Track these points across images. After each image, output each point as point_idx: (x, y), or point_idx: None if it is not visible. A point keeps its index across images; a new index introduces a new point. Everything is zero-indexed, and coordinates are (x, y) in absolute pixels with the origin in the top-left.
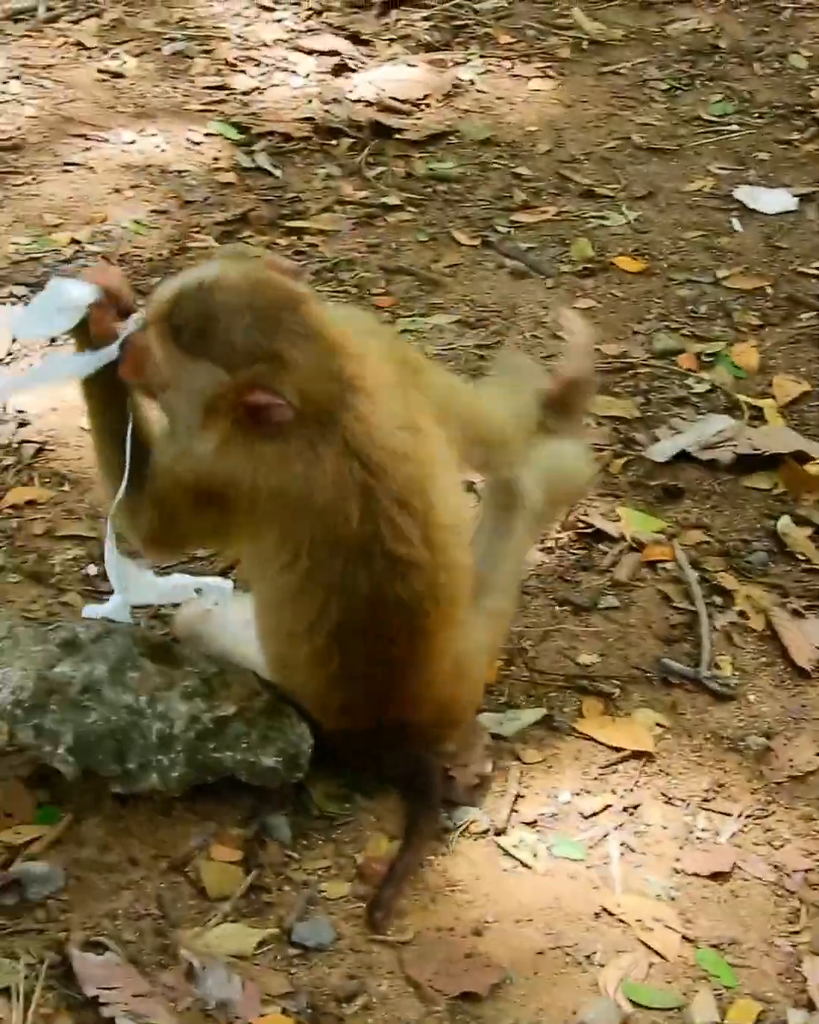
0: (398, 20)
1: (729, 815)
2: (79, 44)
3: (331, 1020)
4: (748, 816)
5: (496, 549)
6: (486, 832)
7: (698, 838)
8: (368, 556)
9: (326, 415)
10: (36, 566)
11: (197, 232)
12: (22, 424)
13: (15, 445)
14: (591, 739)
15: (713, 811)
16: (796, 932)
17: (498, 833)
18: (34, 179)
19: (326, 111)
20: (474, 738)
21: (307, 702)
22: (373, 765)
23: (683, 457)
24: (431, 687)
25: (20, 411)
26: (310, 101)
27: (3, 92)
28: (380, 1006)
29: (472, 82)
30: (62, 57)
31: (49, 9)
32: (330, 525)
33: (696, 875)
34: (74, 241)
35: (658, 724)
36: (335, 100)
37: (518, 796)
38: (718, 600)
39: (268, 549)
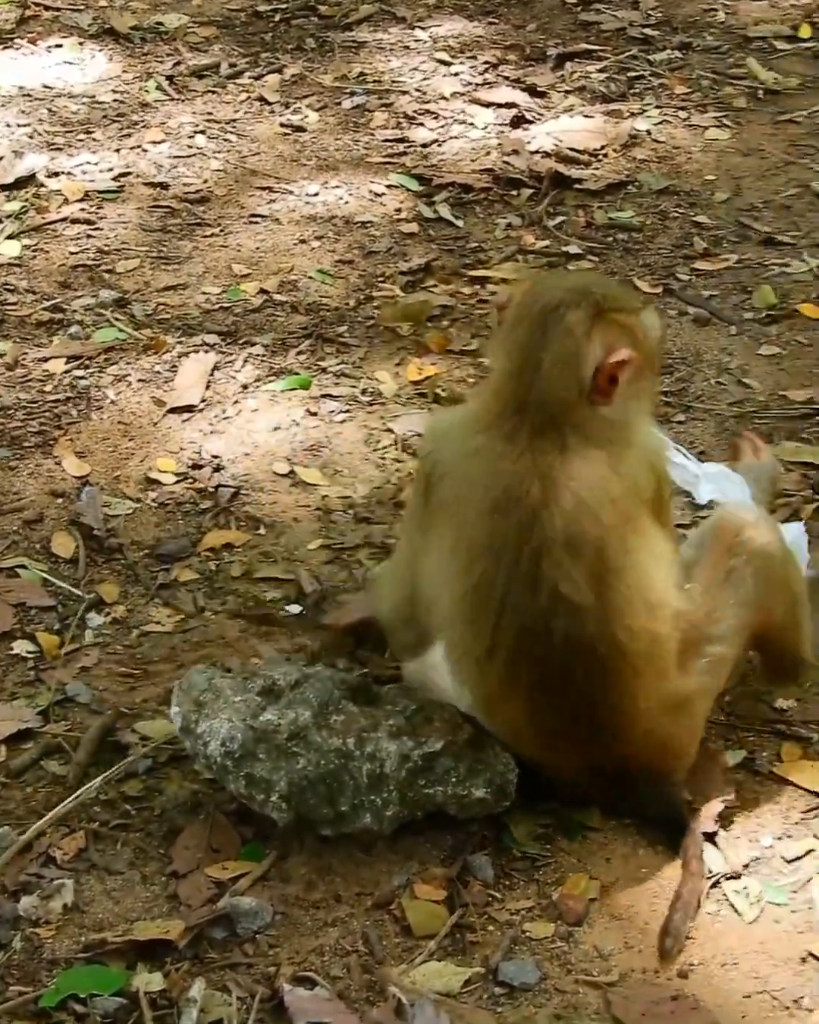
0: (573, 72)
1: None
2: (261, 99)
3: None
4: None
5: (715, 595)
6: None
7: None
8: (532, 582)
9: (549, 426)
10: (236, 607)
11: (382, 281)
12: (217, 469)
13: (211, 489)
14: (791, 783)
15: None
16: None
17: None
18: (222, 230)
19: (505, 162)
20: (712, 767)
21: (507, 736)
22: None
23: None
24: (633, 731)
25: (215, 456)
26: (489, 152)
27: (190, 146)
28: None
29: (648, 132)
30: (245, 112)
31: (231, 66)
32: (498, 533)
33: None
34: (263, 291)
35: None
36: (514, 151)
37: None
38: None
39: (447, 550)
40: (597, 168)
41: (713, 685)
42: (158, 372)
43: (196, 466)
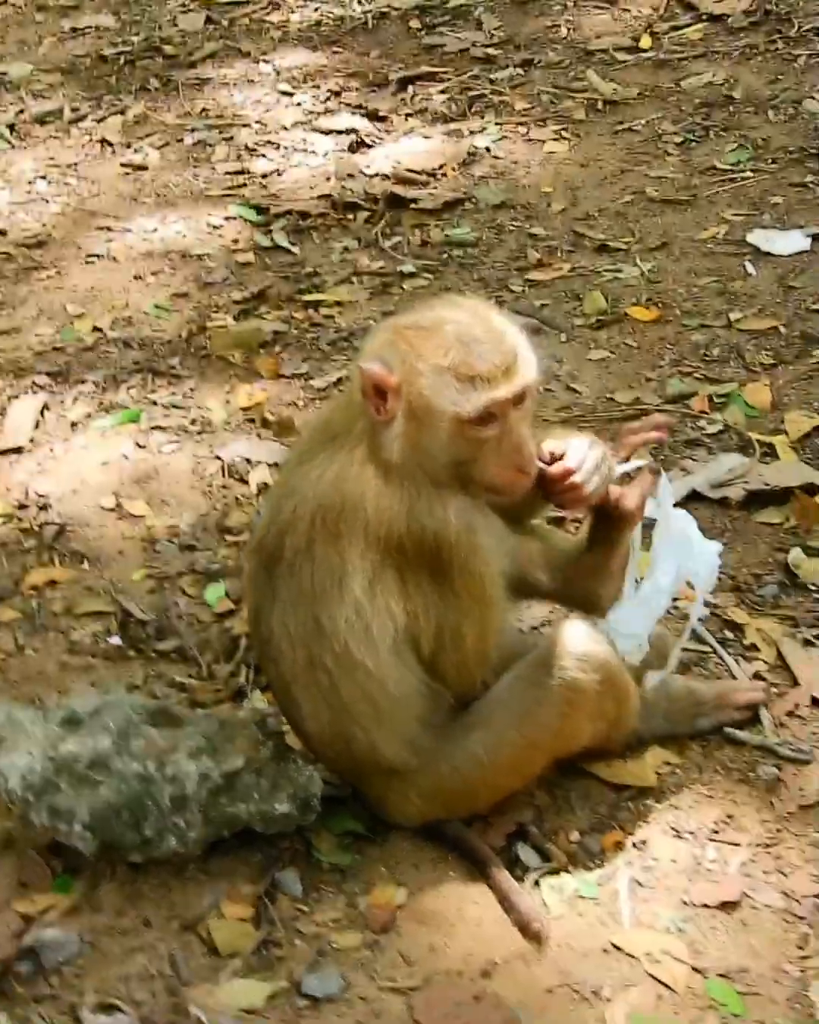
0: (415, 95)
1: (738, 845)
2: (104, 141)
3: None
4: (757, 845)
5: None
6: None
7: (707, 869)
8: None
9: (343, 429)
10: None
11: (215, 312)
12: (43, 507)
13: (36, 528)
14: (596, 777)
15: (722, 842)
16: (805, 957)
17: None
18: (58, 273)
19: (343, 187)
20: None
21: None
22: None
23: (694, 496)
24: (315, 738)
25: (42, 495)
26: (328, 178)
27: (30, 192)
28: None
29: (487, 149)
30: (87, 154)
31: (74, 110)
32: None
33: (705, 906)
34: (96, 329)
35: (667, 762)
36: (350, 175)
37: (527, 836)
38: (729, 635)
39: None
40: (434, 187)
41: (448, 782)
42: None
43: (22, 506)
